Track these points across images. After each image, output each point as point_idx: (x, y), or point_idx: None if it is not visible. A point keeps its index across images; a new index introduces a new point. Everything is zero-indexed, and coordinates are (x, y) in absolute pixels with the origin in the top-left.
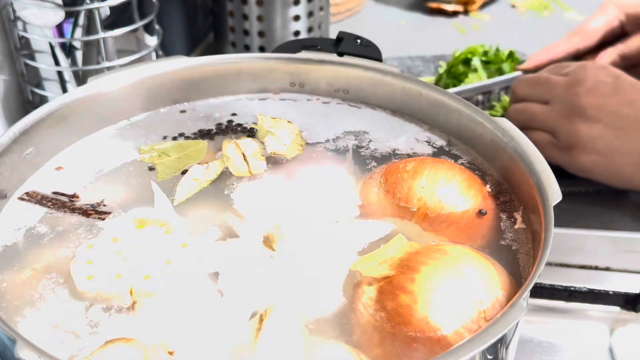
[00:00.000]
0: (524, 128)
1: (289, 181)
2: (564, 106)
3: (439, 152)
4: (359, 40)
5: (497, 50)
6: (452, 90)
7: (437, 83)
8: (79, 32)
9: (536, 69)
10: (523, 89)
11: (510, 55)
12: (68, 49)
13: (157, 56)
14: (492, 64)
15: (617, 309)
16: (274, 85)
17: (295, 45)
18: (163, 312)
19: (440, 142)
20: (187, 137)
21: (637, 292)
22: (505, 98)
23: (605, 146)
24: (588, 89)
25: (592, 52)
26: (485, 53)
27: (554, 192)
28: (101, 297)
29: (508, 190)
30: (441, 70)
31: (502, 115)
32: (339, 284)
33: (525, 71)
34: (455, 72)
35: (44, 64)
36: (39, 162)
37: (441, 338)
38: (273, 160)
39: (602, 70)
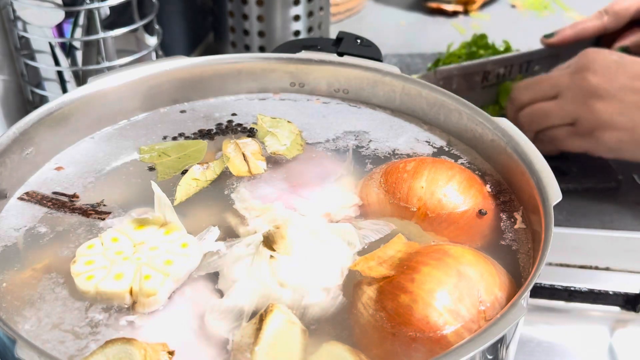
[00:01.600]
0: (540, 131)
1: (288, 181)
2: (576, 92)
3: (439, 152)
4: (359, 40)
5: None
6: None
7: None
8: (79, 32)
9: (562, 44)
10: (525, 93)
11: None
12: (68, 49)
13: (157, 56)
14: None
15: (617, 309)
16: (274, 85)
17: (295, 45)
18: (163, 312)
19: (440, 142)
20: (187, 137)
21: (637, 292)
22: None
23: (627, 120)
24: (594, 71)
25: (618, 32)
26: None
27: (554, 192)
28: (101, 297)
29: (508, 190)
30: (432, 68)
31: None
32: (339, 284)
33: (550, 45)
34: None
35: (44, 64)
36: (39, 162)
37: (441, 338)
38: (273, 160)
39: (602, 53)
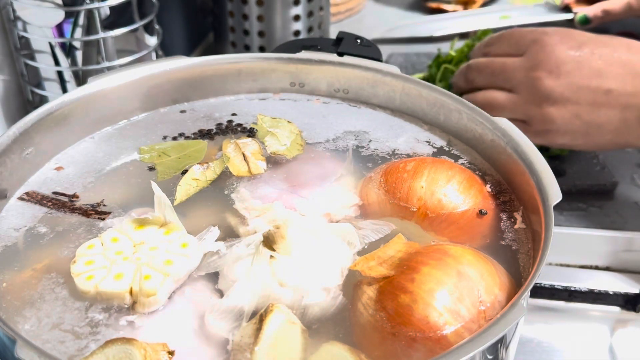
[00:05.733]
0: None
1: (288, 181)
2: (529, 93)
3: (439, 152)
4: (359, 40)
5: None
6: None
7: (429, 78)
8: (79, 32)
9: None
10: (479, 78)
11: None
12: (68, 49)
13: (157, 56)
14: None
15: (617, 309)
16: (274, 85)
17: (295, 45)
18: (163, 312)
19: (440, 142)
20: (187, 137)
21: (637, 292)
22: None
23: (581, 124)
24: (550, 71)
25: None
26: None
27: (554, 192)
28: (101, 297)
29: (508, 190)
30: (433, 66)
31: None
32: (339, 284)
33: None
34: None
35: (44, 64)
36: (39, 162)
37: (441, 338)
38: (273, 160)
39: (561, 44)
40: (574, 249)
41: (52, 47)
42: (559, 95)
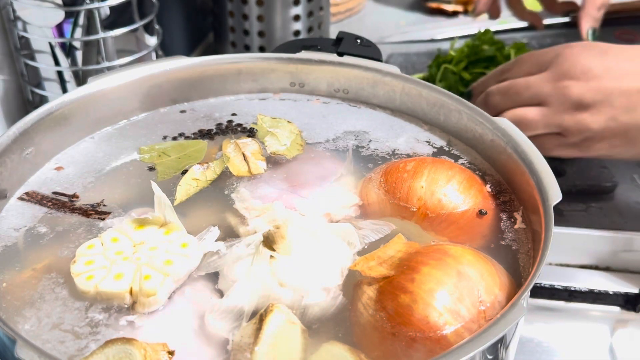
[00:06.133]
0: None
1: (288, 181)
2: (559, 103)
3: (439, 152)
4: (359, 40)
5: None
6: None
7: (429, 78)
8: (79, 32)
9: None
10: (503, 100)
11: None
12: (68, 49)
13: (157, 56)
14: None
15: (617, 309)
16: (274, 85)
17: (295, 45)
18: (163, 312)
19: (440, 142)
20: (187, 137)
21: (637, 292)
22: None
23: (619, 126)
24: (577, 78)
25: None
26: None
27: (554, 192)
28: (101, 297)
29: (508, 190)
30: (433, 66)
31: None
32: (339, 284)
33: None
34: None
35: (44, 64)
36: (39, 162)
37: (441, 338)
38: (273, 160)
39: (585, 52)
40: (574, 249)
41: (52, 47)
42: (590, 100)
